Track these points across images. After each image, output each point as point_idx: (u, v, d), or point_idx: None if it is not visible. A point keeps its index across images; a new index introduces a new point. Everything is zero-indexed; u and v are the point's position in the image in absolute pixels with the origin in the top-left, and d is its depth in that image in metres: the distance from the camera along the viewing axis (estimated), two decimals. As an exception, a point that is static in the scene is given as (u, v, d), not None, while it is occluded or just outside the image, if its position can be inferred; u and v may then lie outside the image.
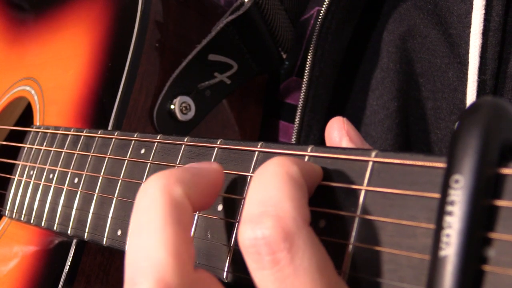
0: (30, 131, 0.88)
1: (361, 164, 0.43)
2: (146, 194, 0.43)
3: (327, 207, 0.44)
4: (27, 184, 0.83)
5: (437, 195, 0.37)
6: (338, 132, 0.52)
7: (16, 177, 0.87)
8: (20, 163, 0.87)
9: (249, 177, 0.50)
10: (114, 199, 0.64)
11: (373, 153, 0.42)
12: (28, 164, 0.84)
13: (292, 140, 0.78)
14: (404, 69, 0.73)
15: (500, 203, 0.34)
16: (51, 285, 0.74)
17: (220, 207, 0.51)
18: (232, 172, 0.52)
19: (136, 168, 0.63)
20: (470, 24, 0.65)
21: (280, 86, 0.86)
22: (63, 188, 0.74)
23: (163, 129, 0.77)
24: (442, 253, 0.34)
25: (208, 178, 0.46)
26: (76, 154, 0.74)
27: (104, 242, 0.64)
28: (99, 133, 0.71)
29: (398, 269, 0.39)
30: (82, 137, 0.74)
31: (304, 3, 0.85)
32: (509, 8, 0.65)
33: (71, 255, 0.72)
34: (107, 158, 0.68)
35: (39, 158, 0.82)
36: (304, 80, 0.77)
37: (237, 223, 0.49)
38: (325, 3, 0.75)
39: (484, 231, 0.34)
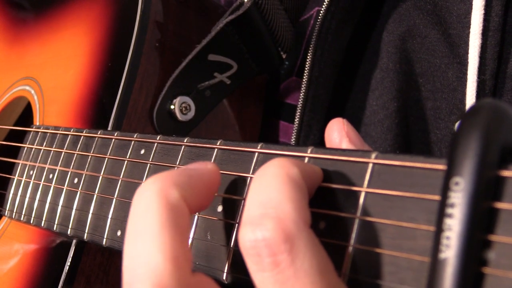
0: (30, 131, 0.88)
1: (361, 165, 0.43)
2: (142, 198, 0.43)
3: (327, 209, 0.44)
4: (27, 184, 0.83)
5: (437, 197, 0.37)
6: (338, 133, 0.52)
7: (16, 177, 0.87)
8: (20, 162, 0.87)
9: (249, 178, 0.50)
10: (114, 200, 0.64)
11: (373, 155, 0.42)
12: (28, 164, 0.84)
13: (292, 140, 0.78)
14: (404, 69, 0.73)
15: (500, 205, 0.34)
16: (51, 285, 0.74)
17: (220, 208, 0.51)
18: (232, 173, 0.52)
19: (136, 169, 0.63)
20: (470, 24, 0.65)
21: (280, 86, 0.86)
22: (63, 188, 0.74)
23: (163, 129, 0.77)
24: (442, 255, 0.34)
25: (204, 180, 0.46)
26: (76, 154, 0.74)
27: (104, 243, 0.64)
28: (99, 133, 0.71)
29: (398, 271, 0.39)
30: (82, 137, 0.74)
31: (303, 3, 0.85)
32: (508, 8, 0.65)
33: (71, 255, 0.72)
34: (107, 159, 0.68)
35: (39, 158, 0.82)
36: (304, 80, 0.77)
37: (237, 224, 0.49)
38: (324, 3, 0.75)
39: (484, 233, 0.34)
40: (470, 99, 0.66)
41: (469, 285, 0.33)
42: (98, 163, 0.69)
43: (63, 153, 0.77)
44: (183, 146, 0.58)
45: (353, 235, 0.41)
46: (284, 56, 0.81)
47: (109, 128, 0.75)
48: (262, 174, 0.41)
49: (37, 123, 0.91)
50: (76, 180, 0.72)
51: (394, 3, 0.75)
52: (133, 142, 0.64)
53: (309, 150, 0.47)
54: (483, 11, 0.64)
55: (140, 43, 0.77)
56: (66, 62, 0.91)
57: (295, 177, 0.41)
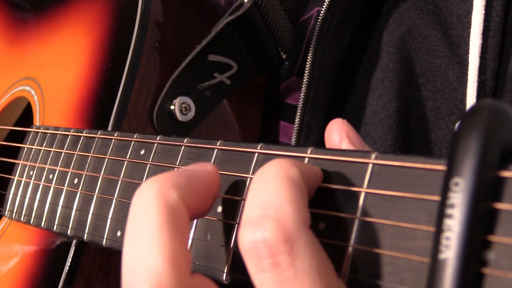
0: (30, 131, 0.88)
1: (361, 166, 0.43)
2: (141, 200, 0.43)
3: (327, 209, 0.44)
4: (27, 185, 0.83)
5: (437, 198, 0.37)
6: (338, 133, 0.52)
7: (16, 177, 0.87)
8: (20, 163, 0.87)
9: (249, 178, 0.50)
10: (114, 200, 0.64)
11: (373, 155, 0.42)
12: (28, 164, 0.84)
13: (292, 140, 0.78)
14: (404, 69, 0.73)
15: (500, 206, 0.34)
16: (51, 285, 0.74)
17: (219, 209, 0.51)
18: (232, 173, 0.52)
19: (136, 169, 0.63)
20: (470, 24, 0.65)
21: (280, 86, 0.86)
22: (63, 189, 0.74)
23: (163, 130, 0.77)
24: (442, 256, 0.34)
25: (203, 181, 0.46)
26: (76, 155, 0.74)
27: (103, 243, 0.64)
28: (99, 133, 0.71)
29: (398, 272, 0.39)
30: (82, 137, 0.74)
31: (303, 3, 0.85)
32: (509, 8, 0.65)
33: (71, 256, 0.72)
34: (106, 159, 0.68)
35: (39, 159, 0.82)
36: (304, 80, 0.77)
37: (236, 225, 0.49)
38: (325, 3, 0.75)
39: (484, 234, 0.34)
40: (471, 99, 0.65)
41: (469, 285, 0.33)
42: (98, 163, 0.69)
43: (63, 153, 0.77)
44: (183, 147, 0.58)
45: (353, 236, 0.41)
46: (284, 56, 0.81)
47: (109, 128, 0.75)
48: (262, 175, 0.41)
49: (37, 124, 0.91)
50: (76, 181, 0.72)
51: (395, 3, 0.75)
52: (133, 142, 0.64)
53: (309, 151, 0.47)
54: (483, 11, 0.64)
55: (140, 43, 0.77)
56: (66, 62, 0.91)
57: (295, 178, 0.41)
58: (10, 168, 0.90)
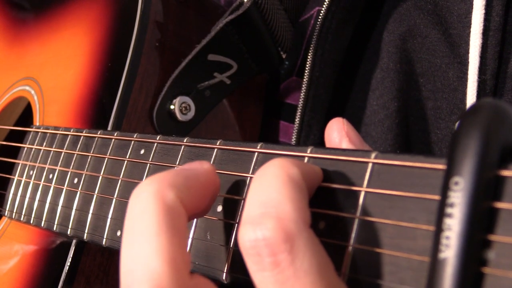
0: (30, 131, 0.88)
1: (361, 165, 0.43)
2: (139, 200, 0.43)
3: (326, 209, 0.44)
4: (26, 184, 0.83)
5: (437, 197, 0.37)
6: (337, 133, 0.52)
7: (16, 177, 0.87)
8: (20, 162, 0.87)
9: (248, 178, 0.50)
10: (114, 200, 0.64)
11: (373, 155, 0.42)
12: (28, 164, 0.84)
13: (292, 140, 0.78)
14: (404, 69, 0.73)
15: (500, 205, 0.34)
16: (51, 285, 0.74)
17: (219, 208, 0.51)
18: (232, 173, 0.52)
19: (135, 169, 0.63)
20: (470, 24, 0.65)
21: (280, 86, 0.86)
22: (63, 189, 0.74)
23: (163, 129, 0.77)
24: (442, 255, 0.34)
25: (201, 180, 0.46)
26: (75, 154, 0.74)
27: (103, 243, 0.64)
28: (98, 133, 0.71)
29: (398, 271, 0.38)
30: (82, 137, 0.74)
31: (303, 3, 0.85)
32: (509, 8, 0.65)
33: (71, 255, 0.72)
34: (106, 159, 0.68)
35: (39, 158, 0.82)
36: (304, 80, 0.77)
37: (236, 224, 0.49)
38: (325, 3, 0.75)
39: (484, 233, 0.34)
40: (471, 99, 0.65)
41: (469, 285, 0.33)
42: (98, 163, 0.69)
43: (63, 153, 0.77)
44: (182, 146, 0.58)
45: (353, 235, 0.41)
46: (284, 56, 0.81)
47: (109, 128, 0.75)
48: (262, 174, 0.41)
49: (37, 123, 0.91)
50: (76, 180, 0.72)
51: (395, 2, 0.75)
52: (133, 142, 0.64)
53: (308, 150, 0.47)
54: (483, 11, 0.64)
55: (140, 43, 0.77)
56: (66, 62, 0.91)
57: (295, 177, 0.41)
58: (10, 168, 0.90)
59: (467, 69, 0.66)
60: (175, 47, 0.80)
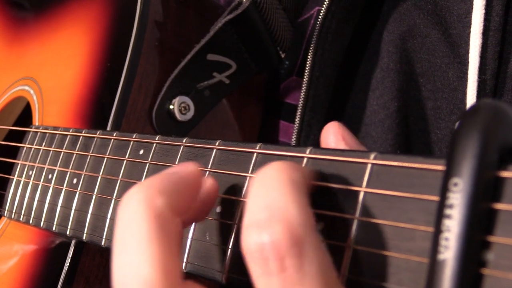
0: (29, 131, 0.88)
1: (360, 166, 0.43)
2: (128, 208, 0.43)
3: (325, 209, 0.43)
4: (26, 184, 0.83)
5: (436, 198, 0.37)
6: (334, 136, 0.52)
7: (15, 177, 0.87)
8: (19, 162, 0.87)
9: (247, 178, 0.50)
10: (113, 200, 0.64)
11: (372, 155, 0.42)
12: (27, 164, 0.84)
13: (292, 140, 0.78)
14: (404, 69, 0.73)
15: (499, 206, 0.34)
16: (50, 285, 0.74)
17: (218, 209, 0.51)
18: (231, 173, 0.52)
19: (135, 169, 0.63)
20: (470, 24, 0.65)
21: (280, 86, 0.86)
22: (62, 189, 0.74)
23: (162, 129, 0.77)
24: (441, 256, 0.34)
25: (188, 182, 0.46)
26: (75, 154, 0.74)
27: (102, 243, 0.64)
28: (98, 133, 0.71)
29: (397, 272, 0.38)
30: (81, 137, 0.74)
31: (302, 3, 0.85)
32: (509, 8, 0.64)
33: (70, 256, 0.72)
34: (106, 159, 0.67)
35: (38, 158, 0.82)
36: (304, 80, 0.77)
37: (235, 226, 0.49)
38: (325, 3, 0.75)
39: (483, 234, 0.34)
40: (471, 99, 0.65)
41: (468, 286, 0.33)
42: (97, 163, 0.69)
43: (62, 153, 0.77)
44: (182, 147, 0.58)
45: (352, 236, 0.41)
46: (283, 56, 0.81)
47: (108, 128, 0.75)
48: (264, 177, 0.41)
49: (36, 123, 0.91)
50: (75, 180, 0.72)
51: (395, 2, 0.75)
52: (132, 142, 0.64)
53: (307, 151, 0.47)
54: (483, 11, 0.64)
55: (139, 43, 0.76)
56: (65, 61, 0.90)
57: (298, 180, 0.40)
58: (9, 168, 0.90)
59: (467, 69, 0.66)
60: (174, 47, 0.80)
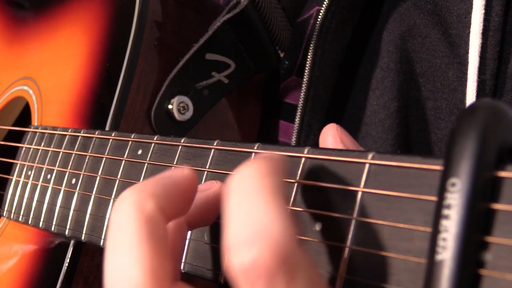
0: (28, 131, 0.88)
1: (358, 166, 0.43)
2: (119, 212, 0.43)
3: (323, 210, 0.43)
4: (25, 185, 0.83)
5: (434, 198, 0.37)
6: (332, 138, 0.52)
7: (14, 177, 0.86)
8: (18, 163, 0.87)
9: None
10: (111, 200, 0.64)
11: (370, 155, 0.42)
12: (26, 164, 0.84)
13: (292, 139, 0.78)
14: (404, 69, 0.73)
15: (497, 206, 0.34)
16: (49, 285, 0.74)
17: (216, 209, 0.51)
18: (229, 173, 0.51)
19: (133, 169, 0.63)
20: (470, 24, 0.65)
21: (280, 85, 0.86)
22: (61, 189, 0.74)
23: (161, 129, 0.77)
24: (439, 257, 0.34)
25: (181, 187, 0.45)
26: (73, 155, 0.74)
27: (101, 244, 0.64)
28: (96, 133, 0.71)
29: (395, 273, 0.38)
30: (80, 137, 0.74)
31: (301, 2, 0.85)
32: (509, 8, 0.64)
33: (69, 256, 0.72)
34: (104, 159, 0.67)
35: (37, 158, 0.82)
36: (304, 79, 0.77)
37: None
38: (325, 3, 0.75)
39: (481, 235, 0.34)
40: (470, 99, 0.65)
41: (466, 287, 0.33)
42: (96, 163, 0.69)
43: (61, 153, 0.77)
44: (180, 147, 0.57)
45: (350, 236, 0.41)
46: (282, 55, 0.81)
47: (107, 128, 0.75)
48: (243, 187, 0.38)
49: (35, 123, 0.91)
50: (74, 181, 0.72)
51: (395, 2, 0.75)
52: (130, 142, 0.64)
53: (305, 151, 0.46)
54: (483, 11, 0.64)
55: (138, 43, 0.76)
56: (64, 61, 0.90)
57: (278, 185, 0.38)
58: (8, 168, 0.90)
59: (466, 69, 0.65)
60: (173, 46, 0.80)
